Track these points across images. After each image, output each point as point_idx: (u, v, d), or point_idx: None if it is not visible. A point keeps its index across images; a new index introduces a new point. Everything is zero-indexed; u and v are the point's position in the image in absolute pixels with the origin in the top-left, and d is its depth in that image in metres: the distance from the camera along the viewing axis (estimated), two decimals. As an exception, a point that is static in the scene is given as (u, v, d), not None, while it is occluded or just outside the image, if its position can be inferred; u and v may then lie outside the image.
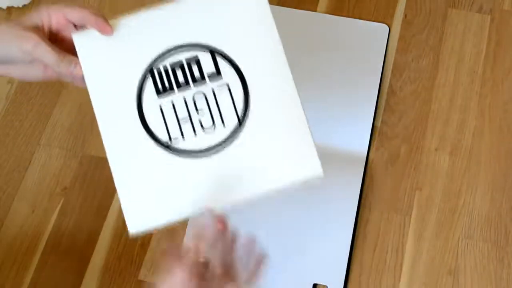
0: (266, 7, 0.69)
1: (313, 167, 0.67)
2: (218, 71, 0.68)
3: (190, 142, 0.67)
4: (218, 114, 0.68)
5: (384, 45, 1.11)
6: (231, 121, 0.67)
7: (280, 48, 0.68)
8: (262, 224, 0.98)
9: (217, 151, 0.67)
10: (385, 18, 1.14)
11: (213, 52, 0.69)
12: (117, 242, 0.97)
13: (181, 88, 0.68)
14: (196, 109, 0.68)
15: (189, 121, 0.68)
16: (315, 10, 1.15)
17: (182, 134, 0.67)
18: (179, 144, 0.67)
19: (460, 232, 0.98)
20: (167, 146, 0.67)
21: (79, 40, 0.68)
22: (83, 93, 0.69)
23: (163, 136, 0.67)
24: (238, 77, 0.68)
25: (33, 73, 0.70)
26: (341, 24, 1.13)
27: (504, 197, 1.00)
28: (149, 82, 0.68)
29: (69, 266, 0.97)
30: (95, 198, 1.02)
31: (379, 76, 1.08)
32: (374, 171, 1.02)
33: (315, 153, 0.67)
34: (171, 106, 0.68)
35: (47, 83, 0.72)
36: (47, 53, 0.66)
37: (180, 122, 0.68)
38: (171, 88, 0.68)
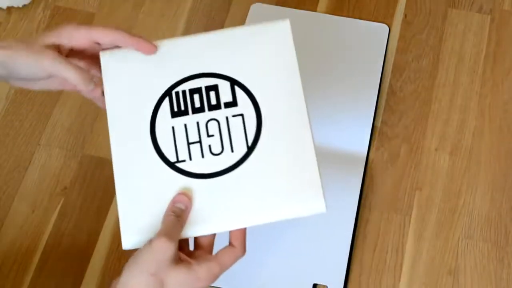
0: (292, 49, 0.71)
1: (317, 206, 0.67)
2: (234, 101, 0.69)
3: (196, 164, 0.68)
4: (228, 141, 0.68)
5: (384, 45, 1.11)
6: (240, 148, 0.68)
7: (299, 88, 0.69)
8: (262, 224, 0.98)
9: (222, 175, 0.67)
10: (385, 18, 1.14)
11: (233, 83, 0.70)
12: (117, 242, 0.97)
13: (196, 112, 0.69)
14: (208, 134, 0.69)
15: (199, 144, 0.68)
16: (315, 10, 1.15)
17: (190, 156, 0.68)
18: (186, 165, 0.67)
19: (460, 232, 0.98)
20: (173, 166, 0.67)
21: (106, 59, 0.69)
22: (83, 93, 0.69)
23: (171, 155, 0.68)
24: (254, 109, 0.69)
25: (53, 86, 0.71)
26: (341, 24, 1.13)
27: (504, 197, 1.00)
28: (166, 103, 0.69)
29: (69, 266, 0.97)
30: (95, 198, 1.02)
31: (379, 76, 1.08)
32: (374, 171, 1.02)
33: (320, 191, 0.67)
34: (183, 128, 0.69)
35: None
36: (65, 70, 0.66)
37: (190, 144, 0.68)
38: (186, 111, 0.69)
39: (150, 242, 0.62)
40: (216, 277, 0.66)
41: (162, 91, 0.70)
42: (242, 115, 0.69)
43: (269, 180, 0.67)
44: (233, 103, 0.69)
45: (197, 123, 0.69)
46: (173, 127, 0.69)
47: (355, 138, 1.04)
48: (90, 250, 0.98)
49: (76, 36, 0.68)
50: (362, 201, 1.00)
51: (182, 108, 0.69)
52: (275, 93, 0.69)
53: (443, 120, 1.06)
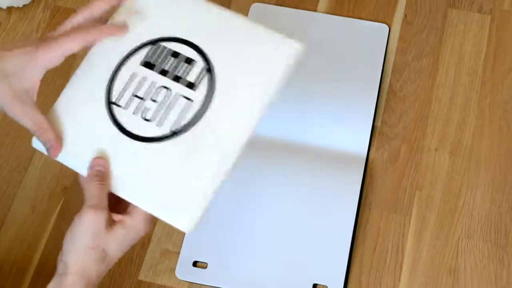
0: (282, 70, 0.69)
1: (180, 222, 0.66)
2: (196, 85, 0.69)
3: (127, 116, 0.70)
4: (162, 115, 0.69)
5: (384, 45, 1.11)
6: (165, 129, 0.68)
7: (261, 106, 0.69)
8: (262, 224, 0.98)
9: (138, 141, 0.69)
10: (385, 18, 1.14)
11: (209, 70, 0.70)
12: (117, 242, 0.97)
13: (160, 73, 0.70)
14: (152, 97, 0.70)
15: (141, 101, 0.70)
16: (315, 10, 1.15)
17: (127, 105, 0.70)
18: (119, 111, 0.70)
19: (460, 232, 0.98)
20: (109, 106, 0.70)
21: None
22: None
23: (114, 95, 0.70)
24: (203, 102, 0.69)
25: None
26: (341, 24, 1.13)
27: (504, 197, 1.00)
28: (147, 50, 0.71)
29: (69, 266, 0.97)
30: (95, 198, 1.01)
31: (379, 76, 1.08)
32: (374, 171, 1.02)
33: (191, 211, 0.66)
34: (140, 80, 0.70)
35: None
36: (28, 120, 0.68)
37: (134, 96, 0.70)
38: (154, 67, 0.71)
39: (79, 216, 0.64)
40: (152, 220, 0.67)
41: (152, 38, 0.71)
42: (190, 100, 0.69)
43: (164, 172, 0.67)
44: (192, 85, 0.69)
45: (153, 82, 0.70)
46: (134, 73, 0.71)
47: (355, 138, 1.03)
48: (90, 250, 0.98)
49: (53, 61, 0.69)
50: (362, 201, 1.00)
51: (154, 62, 0.71)
52: (237, 101, 0.68)
53: (443, 120, 1.06)
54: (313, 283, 0.94)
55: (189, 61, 0.70)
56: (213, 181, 0.66)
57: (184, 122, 0.68)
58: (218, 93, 0.68)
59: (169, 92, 0.69)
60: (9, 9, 1.17)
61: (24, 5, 1.17)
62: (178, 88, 0.69)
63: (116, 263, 0.97)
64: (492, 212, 0.99)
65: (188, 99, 0.69)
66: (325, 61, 1.10)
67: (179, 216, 0.66)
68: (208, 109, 0.68)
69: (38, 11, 1.17)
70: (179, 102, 0.69)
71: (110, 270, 0.98)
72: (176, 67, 0.70)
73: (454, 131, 1.05)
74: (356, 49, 1.11)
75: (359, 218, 0.98)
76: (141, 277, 0.96)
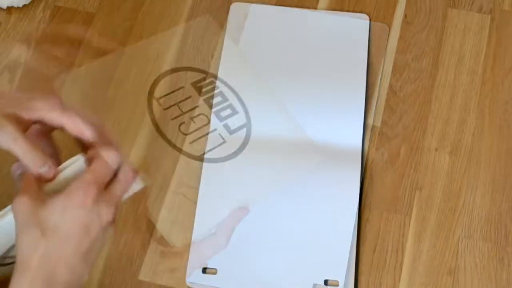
0: None
1: None
2: (233, 132, 0.72)
3: (165, 119, 0.71)
4: (196, 137, 0.72)
5: (384, 45, 1.11)
6: (192, 150, 0.71)
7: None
8: (262, 224, 0.98)
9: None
10: (385, 18, 1.14)
11: (249, 126, 0.73)
12: (117, 242, 0.97)
13: (205, 101, 0.72)
14: (193, 118, 0.72)
15: (180, 112, 0.71)
16: (315, 9, 1.15)
17: (166, 108, 0.71)
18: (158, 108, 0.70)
19: (460, 232, 0.98)
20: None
21: None
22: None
23: (157, 92, 0.72)
24: (235, 150, 0.72)
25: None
26: (340, 23, 1.13)
27: (504, 197, 1.00)
28: (201, 76, 0.73)
29: (69, 266, 0.97)
30: (95, 198, 1.01)
31: (379, 76, 1.08)
32: (374, 171, 1.02)
33: None
34: (187, 96, 0.73)
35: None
36: (17, 150, 0.63)
37: (177, 103, 0.72)
38: (201, 92, 0.73)
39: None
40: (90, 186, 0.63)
41: (213, 72, 0.73)
42: (224, 140, 0.70)
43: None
44: (230, 130, 0.72)
45: (197, 106, 0.72)
46: (182, 87, 0.72)
47: (355, 138, 1.03)
48: (90, 250, 0.98)
49: (40, 114, 0.64)
50: (362, 201, 1.00)
51: (204, 90, 0.73)
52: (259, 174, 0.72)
53: (443, 120, 1.06)
54: (312, 283, 0.94)
55: (233, 109, 0.73)
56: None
57: (213, 155, 0.70)
58: (246, 155, 0.71)
59: (208, 123, 0.71)
60: (9, 9, 1.17)
61: (24, 5, 1.17)
62: (217, 125, 0.72)
63: (116, 263, 0.97)
64: (492, 212, 0.99)
65: (223, 139, 0.71)
66: (324, 60, 1.10)
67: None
68: (236, 157, 0.70)
69: (38, 11, 1.16)
70: (214, 137, 0.71)
71: (109, 269, 0.98)
72: (221, 108, 0.73)
73: (454, 131, 1.05)
74: (356, 49, 1.11)
75: (359, 218, 0.98)
76: (141, 277, 0.96)
